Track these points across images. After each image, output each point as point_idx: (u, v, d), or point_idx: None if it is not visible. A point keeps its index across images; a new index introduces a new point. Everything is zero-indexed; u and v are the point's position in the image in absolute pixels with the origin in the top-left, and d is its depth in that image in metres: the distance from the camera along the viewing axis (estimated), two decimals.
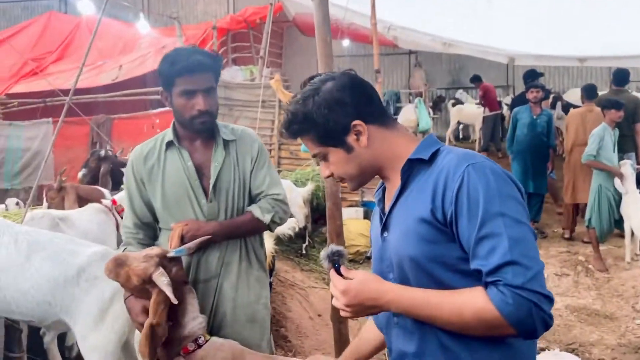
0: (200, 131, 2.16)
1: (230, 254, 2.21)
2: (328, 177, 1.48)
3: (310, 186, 6.31)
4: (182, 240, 2.07)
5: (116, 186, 4.65)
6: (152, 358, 1.84)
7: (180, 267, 1.98)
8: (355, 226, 6.41)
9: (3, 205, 5.32)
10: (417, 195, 1.35)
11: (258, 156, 2.27)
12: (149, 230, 2.26)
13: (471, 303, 1.23)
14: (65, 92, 8.29)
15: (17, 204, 5.26)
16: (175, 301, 1.83)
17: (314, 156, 1.47)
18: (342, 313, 1.35)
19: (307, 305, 5.01)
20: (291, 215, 4.64)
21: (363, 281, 1.33)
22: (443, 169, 1.32)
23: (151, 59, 9.15)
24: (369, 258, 4.95)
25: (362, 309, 1.34)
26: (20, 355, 3.02)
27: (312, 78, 1.47)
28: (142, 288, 1.89)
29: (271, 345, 2.39)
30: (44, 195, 4.15)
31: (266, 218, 2.21)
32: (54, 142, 3.42)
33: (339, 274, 1.36)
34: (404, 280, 1.37)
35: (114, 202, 3.93)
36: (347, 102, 1.41)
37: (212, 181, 2.17)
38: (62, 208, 4.04)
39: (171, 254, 1.96)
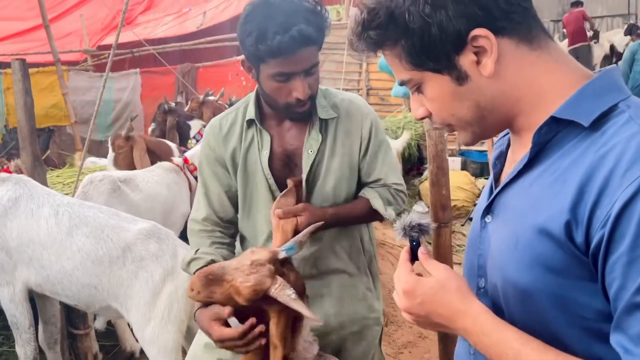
0: (296, 119, 1.65)
1: (330, 256, 1.71)
2: (422, 118, 0.97)
3: (405, 136, 5.70)
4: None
5: (183, 140, 4.36)
6: None
7: (297, 273, 1.45)
8: (452, 179, 5.75)
9: (95, 158, 5.20)
10: (550, 184, 0.82)
11: (371, 137, 1.69)
12: (229, 229, 1.76)
13: None
14: (151, 42, 8.27)
15: None
16: (319, 321, 1.33)
17: (402, 83, 0.95)
18: (402, 313, 0.95)
19: None
20: None
21: (440, 287, 0.90)
22: (610, 151, 0.76)
23: (235, 4, 8.87)
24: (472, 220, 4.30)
25: (426, 323, 0.93)
26: (86, 331, 2.79)
27: None
28: (255, 307, 1.36)
29: (381, 356, 1.91)
30: (109, 144, 3.89)
31: (389, 213, 1.68)
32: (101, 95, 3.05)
33: (414, 257, 0.98)
34: (496, 303, 0.92)
35: (185, 160, 3.57)
36: None
37: (304, 176, 1.65)
38: (130, 159, 3.75)
39: (282, 254, 1.39)
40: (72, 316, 2.75)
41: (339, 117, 1.68)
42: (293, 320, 1.40)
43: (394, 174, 1.73)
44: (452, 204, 5.61)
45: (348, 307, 1.72)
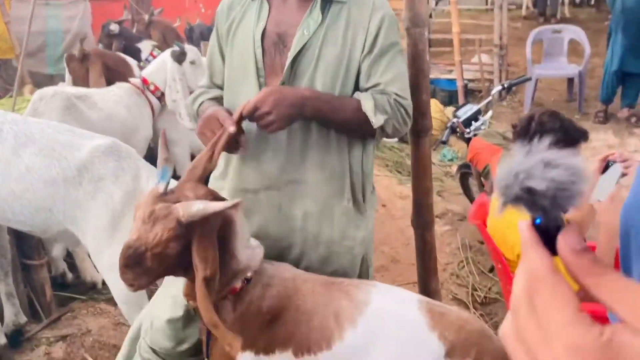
0: None
1: (307, 168, 1.57)
2: None
3: None
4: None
5: None
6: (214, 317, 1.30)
7: (197, 187, 1.37)
8: None
9: None
10: None
11: (379, 34, 1.52)
12: None
13: None
14: None
15: None
16: (241, 204, 1.27)
17: None
18: None
19: None
20: None
21: None
22: None
23: None
24: (444, 142, 4.23)
25: None
26: (41, 261, 2.61)
27: None
28: (187, 243, 1.29)
29: None
30: (65, 64, 3.65)
31: (378, 119, 1.50)
32: None
33: (552, 250, 0.44)
34: None
35: (144, 80, 3.31)
36: None
37: (290, 55, 1.50)
38: (87, 82, 3.48)
39: (160, 187, 1.32)
40: (25, 246, 2.56)
41: (347, 4, 1.53)
42: (220, 234, 1.33)
43: (397, 84, 1.54)
44: None
45: (314, 226, 1.59)
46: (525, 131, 2.09)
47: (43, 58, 8.21)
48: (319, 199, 1.58)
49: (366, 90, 1.55)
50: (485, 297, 3.29)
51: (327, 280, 1.48)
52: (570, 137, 2.07)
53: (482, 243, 3.95)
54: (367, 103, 1.50)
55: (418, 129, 1.90)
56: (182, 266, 1.35)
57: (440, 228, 4.06)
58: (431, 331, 1.40)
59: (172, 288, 1.64)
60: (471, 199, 4.34)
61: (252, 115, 1.42)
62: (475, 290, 3.37)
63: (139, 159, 2.20)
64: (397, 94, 1.53)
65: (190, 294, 1.44)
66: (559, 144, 1.72)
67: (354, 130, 1.57)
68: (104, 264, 2.06)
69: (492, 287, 3.44)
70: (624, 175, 2.19)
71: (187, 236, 1.27)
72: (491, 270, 3.67)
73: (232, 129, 1.41)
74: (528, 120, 2.11)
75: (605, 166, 2.19)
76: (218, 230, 1.32)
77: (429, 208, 2.01)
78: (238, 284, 1.40)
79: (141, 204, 1.31)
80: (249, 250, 1.43)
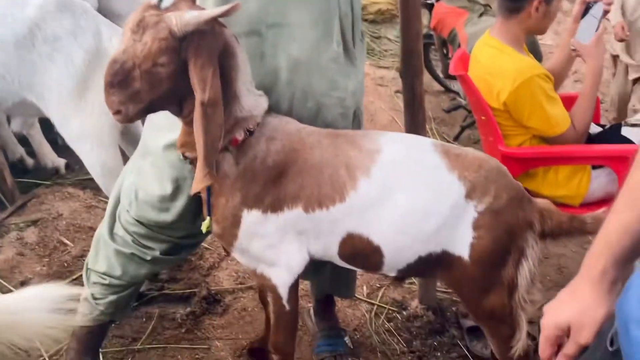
0: None
1: (289, 6, 1.39)
2: None
3: None
4: None
5: None
6: (213, 155, 1.21)
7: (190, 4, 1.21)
8: None
9: None
10: None
11: None
12: None
13: None
14: None
15: None
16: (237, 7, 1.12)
17: None
18: None
19: None
20: None
21: None
22: None
23: None
24: (395, 16, 4.09)
25: None
26: None
27: None
28: (181, 65, 1.18)
29: None
30: None
31: None
32: None
33: None
34: None
35: None
36: None
37: None
38: None
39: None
40: None
41: None
42: (221, 65, 1.21)
43: None
44: (376, 7, 5.36)
45: (302, 78, 1.44)
46: None
47: None
48: (306, 43, 1.42)
49: None
50: None
51: (332, 132, 1.40)
52: None
53: (447, 112, 3.97)
54: None
55: None
56: (175, 97, 1.22)
57: (401, 103, 4.03)
58: (450, 172, 1.36)
59: (152, 156, 1.52)
60: (432, 72, 4.29)
61: None
62: None
63: (97, 15, 1.97)
64: None
65: (185, 143, 1.32)
66: None
67: None
68: (73, 133, 1.89)
69: None
70: (606, 13, 2.14)
71: (182, 53, 1.15)
72: (456, 138, 3.72)
73: None
74: None
75: (585, 9, 2.13)
76: (219, 62, 1.20)
77: (418, 54, 1.91)
78: (240, 135, 1.30)
79: (130, 17, 1.17)
80: (252, 97, 1.31)
